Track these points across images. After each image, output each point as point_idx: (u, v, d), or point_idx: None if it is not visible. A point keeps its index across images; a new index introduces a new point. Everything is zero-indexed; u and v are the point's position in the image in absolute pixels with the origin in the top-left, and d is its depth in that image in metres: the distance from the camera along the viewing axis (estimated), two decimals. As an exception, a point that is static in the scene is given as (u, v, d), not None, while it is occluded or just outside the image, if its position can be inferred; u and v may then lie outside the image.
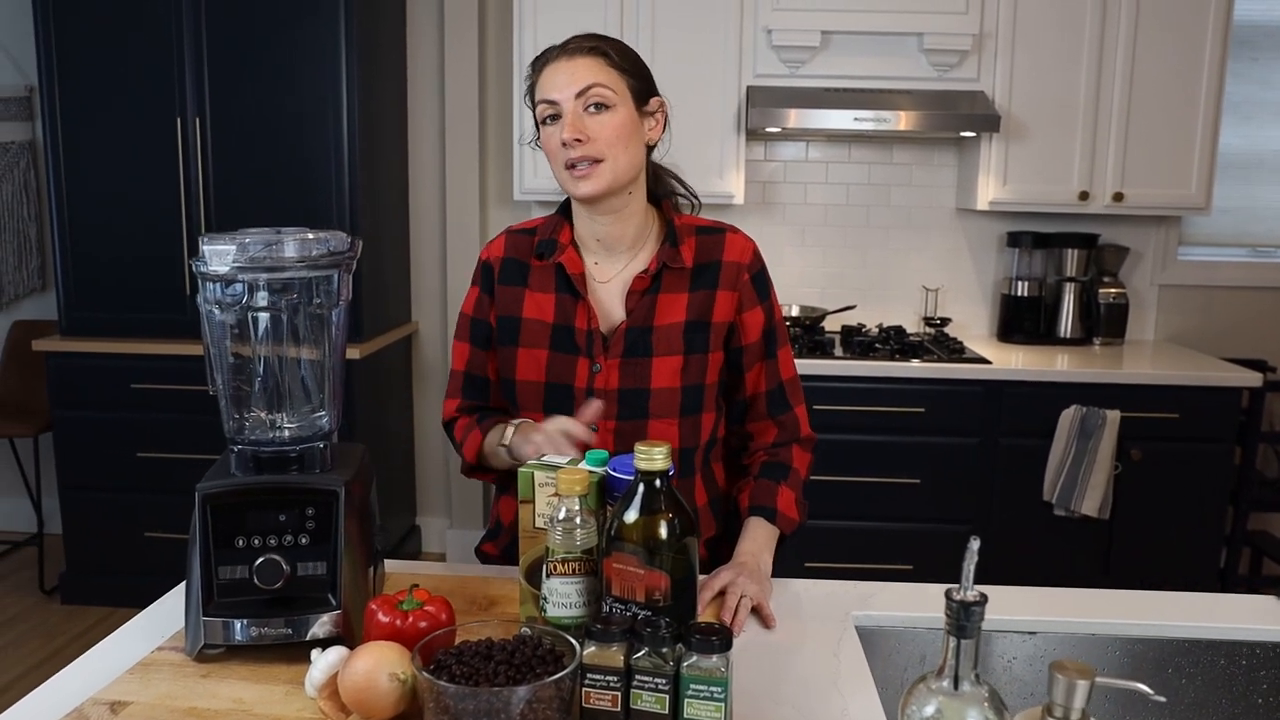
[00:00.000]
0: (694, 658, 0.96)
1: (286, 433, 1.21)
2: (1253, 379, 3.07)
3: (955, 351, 3.24)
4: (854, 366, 3.09)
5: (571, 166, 1.37)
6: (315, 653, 1.08)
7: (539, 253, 1.47)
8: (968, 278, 3.65)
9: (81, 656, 1.18)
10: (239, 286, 1.16)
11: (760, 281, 1.49)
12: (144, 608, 1.32)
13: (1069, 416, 3.03)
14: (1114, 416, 2.99)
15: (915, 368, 3.09)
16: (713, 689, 0.96)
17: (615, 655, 0.97)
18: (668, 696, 0.97)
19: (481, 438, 1.46)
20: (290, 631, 1.13)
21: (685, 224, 1.48)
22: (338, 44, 3.10)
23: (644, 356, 1.42)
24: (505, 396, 1.49)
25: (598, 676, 0.97)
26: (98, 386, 3.24)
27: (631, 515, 1.04)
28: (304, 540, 1.15)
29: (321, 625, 1.15)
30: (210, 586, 1.13)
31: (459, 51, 3.57)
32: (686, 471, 1.48)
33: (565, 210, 1.51)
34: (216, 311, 1.17)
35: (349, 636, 1.15)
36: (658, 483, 1.04)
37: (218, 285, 1.16)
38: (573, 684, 0.97)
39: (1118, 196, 3.22)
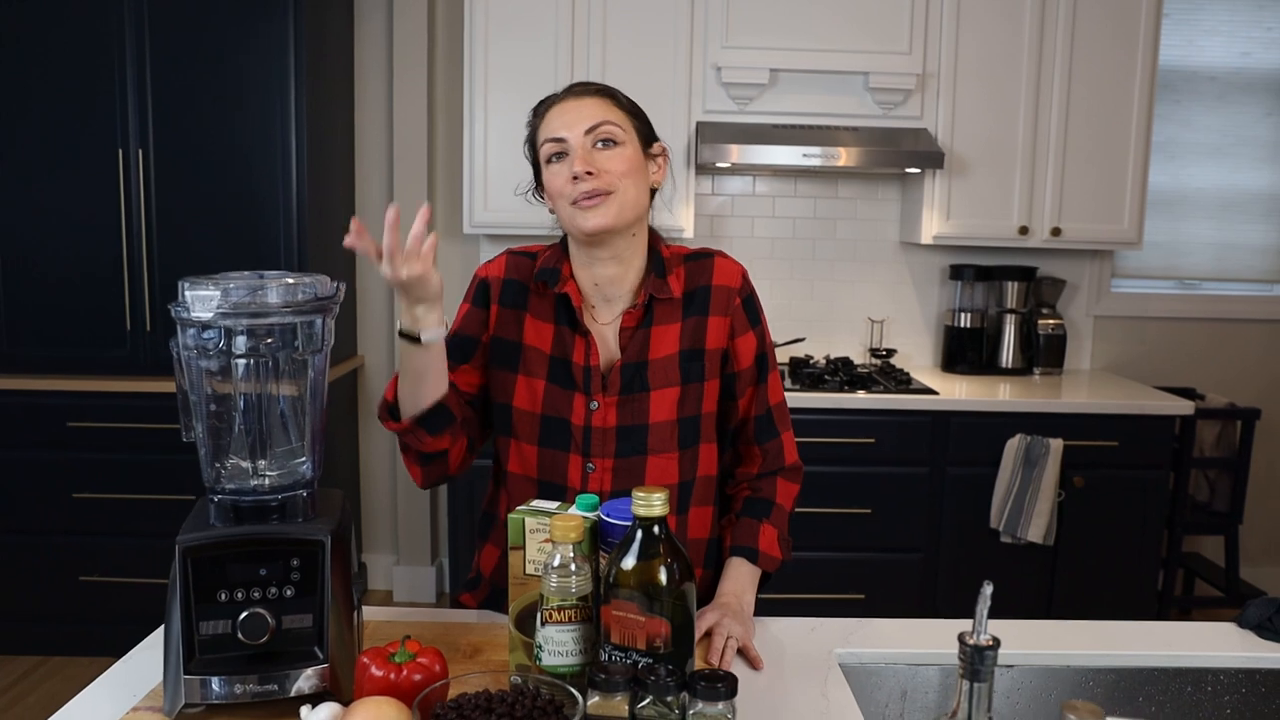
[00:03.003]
0: (699, 705, 0.96)
1: (267, 481, 1.18)
2: (1185, 407, 3.19)
3: (902, 383, 3.30)
4: (804, 398, 3.12)
5: (577, 202, 1.35)
6: (305, 710, 1.05)
7: (539, 279, 1.45)
8: (911, 310, 3.73)
9: (51, 718, 1.13)
10: (218, 332, 1.13)
11: (751, 306, 1.48)
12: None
13: (1014, 445, 3.11)
14: (1057, 445, 3.08)
15: (865, 399, 3.14)
16: (719, 736, 0.95)
17: (620, 705, 0.97)
18: (673, 745, 0.96)
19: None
20: (276, 687, 1.10)
21: (674, 254, 1.47)
22: (286, 74, 3.06)
23: (641, 392, 1.41)
24: (500, 422, 1.46)
25: (602, 727, 0.96)
26: (32, 425, 3.12)
27: (630, 561, 1.04)
28: (289, 592, 1.12)
29: (306, 679, 1.12)
30: (191, 643, 1.09)
31: (407, 84, 3.55)
32: (683, 507, 1.45)
33: (566, 245, 1.48)
34: (196, 357, 1.14)
35: (336, 690, 1.12)
36: (656, 529, 1.04)
37: (197, 331, 1.13)
38: (577, 735, 0.96)
39: (1055, 231, 3.33)
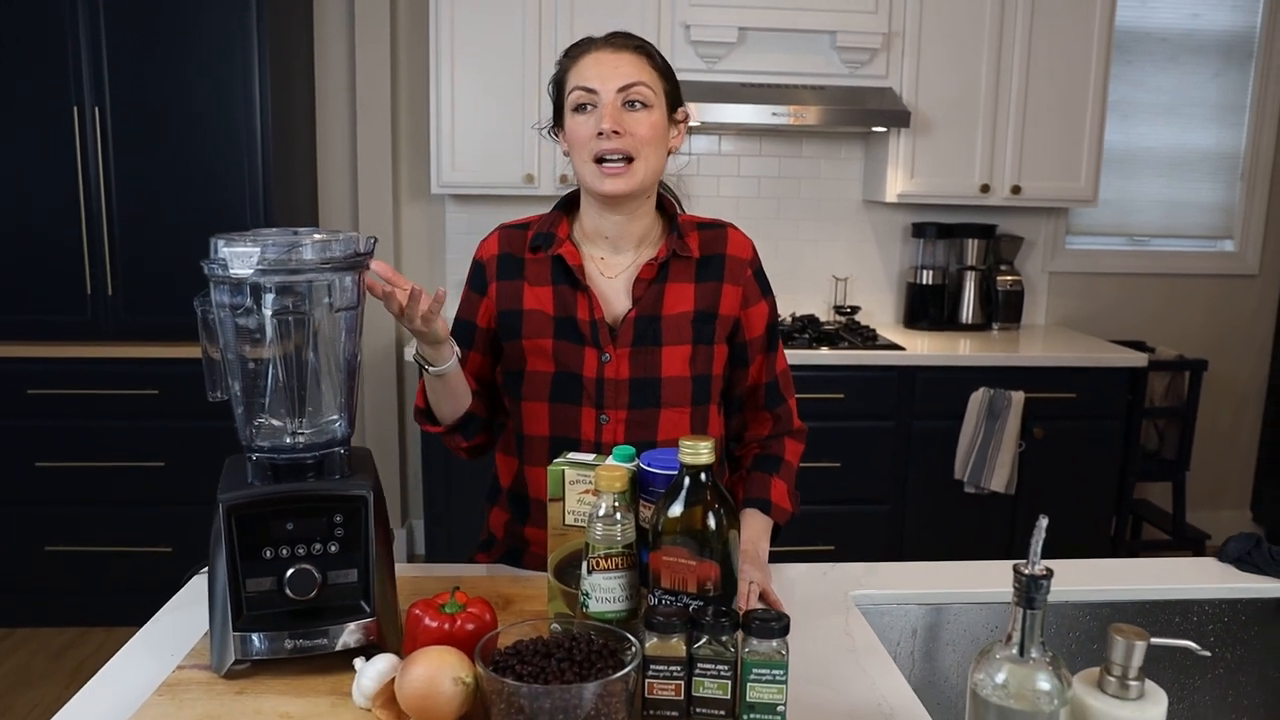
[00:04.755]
0: (754, 643, 1.00)
1: (301, 439, 1.18)
2: (1139, 359, 3.31)
3: (868, 339, 3.37)
4: (776, 355, 3.17)
5: (600, 161, 1.36)
6: (359, 662, 1.07)
7: (534, 246, 1.47)
8: (874, 267, 3.80)
9: (91, 682, 1.12)
10: (251, 289, 1.12)
11: (762, 277, 1.53)
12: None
13: (978, 399, 3.21)
14: (1019, 397, 3.18)
15: (833, 355, 3.21)
16: (774, 672, 0.99)
17: (677, 646, 1.00)
18: (730, 682, 1.00)
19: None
20: (324, 641, 1.11)
21: (685, 220, 1.50)
22: (249, 31, 2.98)
23: (654, 345, 1.44)
24: (513, 388, 1.48)
25: (661, 667, 1.00)
26: (-10, 394, 3.04)
27: (678, 509, 1.07)
28: (333, 548, 1.13)
29: (352, 633, 1.13)
30: (239, 600, 1.10)
31: (369, 41, 3.48)
32: None
33: (564, 206, 1.50)
34: (230, 315, 1.13)
35: (381, 643, 1.13)
36: (703, 476, 1.07)
37: (230, 288, 1.12)
38: (637, 676, 0.99)
39: (1016, 189, 3.42)
